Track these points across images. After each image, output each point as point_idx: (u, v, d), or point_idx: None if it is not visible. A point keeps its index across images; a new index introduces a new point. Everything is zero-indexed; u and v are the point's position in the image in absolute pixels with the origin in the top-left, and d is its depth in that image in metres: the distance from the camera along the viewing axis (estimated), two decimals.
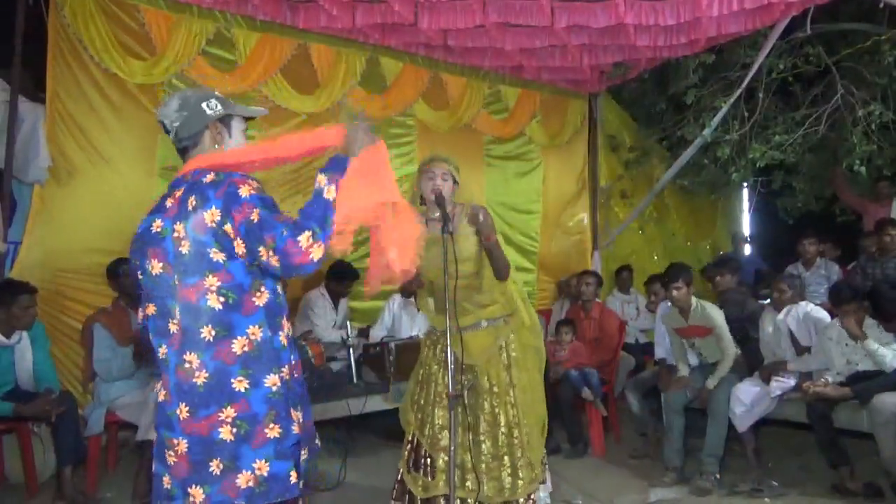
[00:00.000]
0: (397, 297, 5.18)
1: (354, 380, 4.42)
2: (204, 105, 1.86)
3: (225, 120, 1.89)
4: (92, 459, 3.94)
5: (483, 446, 2.99)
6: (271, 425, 1.76)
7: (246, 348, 1.75)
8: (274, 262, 1.68)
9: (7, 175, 4.28)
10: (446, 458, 2.90)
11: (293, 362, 1.88)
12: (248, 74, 5.08)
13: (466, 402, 2.95)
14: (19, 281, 3.87)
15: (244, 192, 1.71)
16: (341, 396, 4.16)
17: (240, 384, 1.74)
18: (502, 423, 3.02)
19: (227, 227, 1.70)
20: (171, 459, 1.77)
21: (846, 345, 4.01)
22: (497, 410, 3.02)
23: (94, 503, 3.80)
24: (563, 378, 4.88)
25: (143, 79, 4.68)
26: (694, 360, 4.63)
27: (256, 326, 1.77)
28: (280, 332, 1.84)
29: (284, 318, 1.88)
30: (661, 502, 3.96)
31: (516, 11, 4.91)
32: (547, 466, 3.25)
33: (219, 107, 1.88)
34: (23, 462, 3.92)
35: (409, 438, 3.14)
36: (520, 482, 2.97)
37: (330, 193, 1.75)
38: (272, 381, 1.78)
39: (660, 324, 5.10)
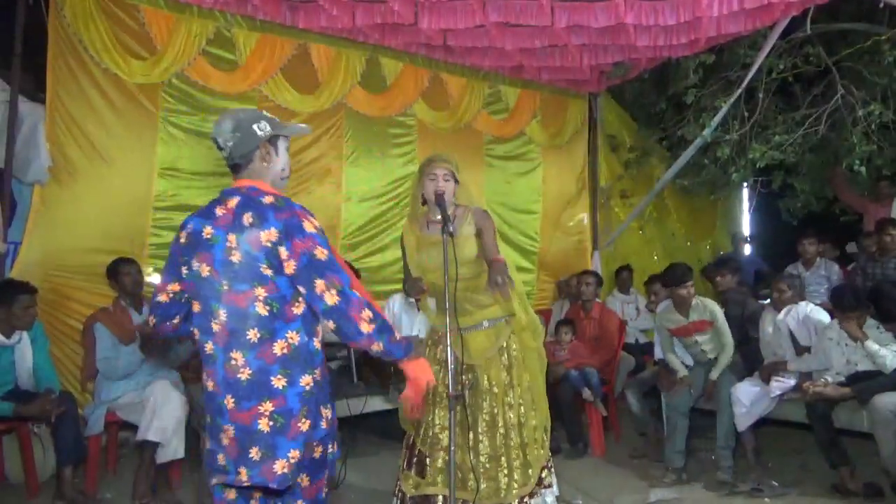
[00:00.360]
0: (397, 298, 5.18)
1: (354, 380, 4.42)
2: (255, 127, 2.05)
3: (272, 140, 2.09)
4: (92, 459, 3.94)
5: (480, 446, 2.99)
6: (304, 419, 1.97)
7: (285, 350, 1.97)
8: (329, 299, 1.93)
9: (7, 175, 4.28)
10: (446, 458, 2.90)
11: (324, 364, 2.09)
12: (248, 74, 5.09)
13: (467, 402, 2.96)
14: (19, 281, 3.88)
15: (308, 227, 1.97)
16: (341, 396, 4.16)
17: (278, 382, 1.96)
18: (500, 424, 3.02)
19: (283, 250, 1.93)
20: (224, 441, 1.99)
21: (846, 345, 4.01)
22: (496, 411, 3.02)
23: (94, 503, 3.80)
24: (562, 378, 4.88)
25: (143, 79, 4.68)
26: (689, 360, 4.64)
27: (295, 332, 1.99)
28: (315, 338, 2.05)
29: (319, 326, 2.07)
30: (661, 502, 3.96)
31: (516, 11, 4.91)
32: (553, 470, 3.25)
33: (268, 127, 2.07)
34: (23, 462, 3.92)
35: (408, 438, 3.14)
36: (514, 484, 2.98)
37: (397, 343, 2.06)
38: (306, 380, 2.00)
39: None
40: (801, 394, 4.01)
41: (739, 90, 5.88)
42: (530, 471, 3.05)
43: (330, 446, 2.10)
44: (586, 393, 4.81)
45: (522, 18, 4.95)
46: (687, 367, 4.59)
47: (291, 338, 1.98)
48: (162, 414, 3.74)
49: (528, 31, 5.35)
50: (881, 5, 5.05)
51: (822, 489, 3.98)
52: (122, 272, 4.12)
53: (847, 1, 6.20)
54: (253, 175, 2.07)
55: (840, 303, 4.01)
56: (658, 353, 5.07)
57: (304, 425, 1.97)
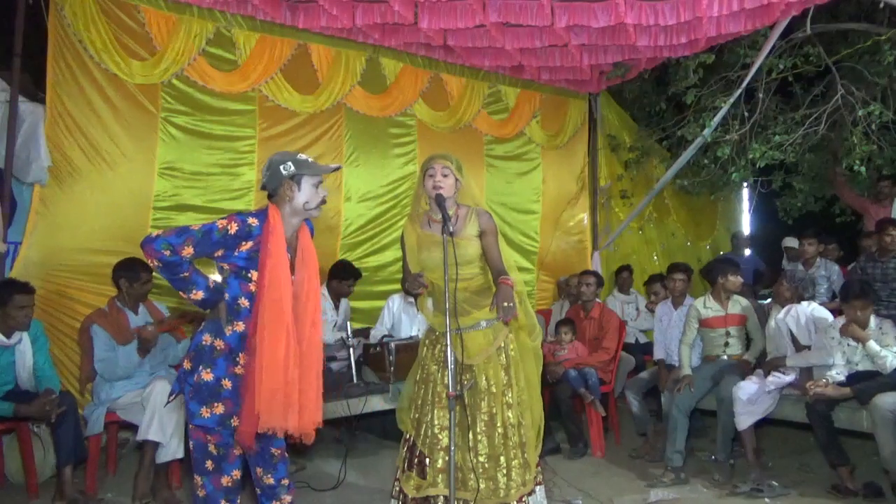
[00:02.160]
0: (397, 297, 5.18)
1: (354, 380, 4.42)
2: (281, 167, 2.45)
3: (296, 177, 2.45)
4: (92, 459, 3.93)
5: (479, 446, 2.99)
6: None
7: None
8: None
9: (7, 175, 4.28)
10: (446, 459, 2.90)
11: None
12: (248, 74, 5.09)
13: (465, 402, 2.96)
14: (18, 280, 3.86)
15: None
16: (341, 396, 4.16)
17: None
18: (499, 424, 3.02)
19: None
20: None
21: (848, 345, 4.01)
22: (494, 410, 3.02)
23: (94, 503, 3.80)
24: (562, 378, 4.88)
25: (143, 79, 4.68)
26: (695, 360, 4.65)
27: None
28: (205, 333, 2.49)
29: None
30: (661, 502, 3.96)
31: (516, 11, 4.91)
32: (541, 469, 3.24)
33: (292, 168, 2.45)
34: (23, 462, 3.92)
35: (406, 438, 3.14)
36: (512, 483, 2.97)
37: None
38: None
39: (659, 323, 5.11)
40: (800, 391, 4.02)
41: (739, 90, 5.88)
42: (529, 470, 3.05)
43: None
44: (584, 393, 4.80)
45: (522, 18, 4.95)
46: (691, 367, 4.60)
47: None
48: (162, 414, 3.74)
49: (528, 31, 5.35)
50: (881, 5, 5.06)
51: (822, 489, 3.98)
52: (140, 279, 4.07)
53: (847, 1, 6.21)
54: (277, 202, 2.47)
55: (847, 292, 4.02)
56: (658, 353, 5.08)
57: None
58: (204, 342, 2.42)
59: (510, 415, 3.04)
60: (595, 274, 5.66)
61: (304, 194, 2.46)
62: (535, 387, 3.19)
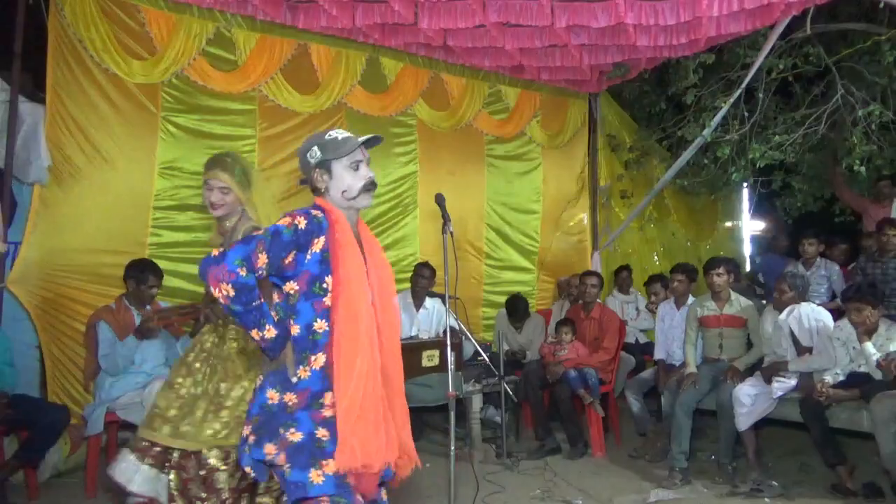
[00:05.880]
0: (397, 297, 5.18)
1: None
2: (307, 155, 2.10)
3: (324, 164, 2.08)
4: (92, 459, 3.93)
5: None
6: None
7: None
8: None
9: (7, 175, 4.28)
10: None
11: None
12: (248, 74, 5.09)
13: None
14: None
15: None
16: None
17: None
18: None
19: None
20: None
21: (853, 348, 4.01)
22: None
23: None
24: (562, 378, 4.88)
25: (143, 79, 4.68)
26: (697, 360, 4.66)
27: None
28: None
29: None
30: (661, 502, 3.96)
31: (516, 11, 4.91)
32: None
33: (318, 154, 2.08)
34: None
35: None
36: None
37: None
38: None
39: (661, 322, 5.11)
40: (802, 393, 4.02)
41: (739, 90, 5.88)
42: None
43: None
44: (582, 393, 4.81)
45: (522, 18, 4.95)
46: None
47: None
48: None
49: (528, 31, 5.35)
50: (881, 5, 5.05)
51: (822, 489, 3.98)
52: (148, 282, 4.09)
53: (847, 1, 6.20)
54: (319, 194, 2.11)
55: (851, 292, 4.02)
56: (658, 353, 5.08)
57: None
58: (269, 401, 1.96)
59: None
60: (597, 275, 5.67)
61: (340, 181, 2.06)
62: None
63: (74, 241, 4.46)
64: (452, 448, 2.63)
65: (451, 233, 2.78)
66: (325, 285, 1.95)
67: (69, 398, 4.31)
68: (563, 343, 5.07)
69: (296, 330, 1.95)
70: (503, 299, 5.95)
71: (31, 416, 3.77)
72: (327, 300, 1.94)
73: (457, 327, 4.52)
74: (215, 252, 1.94)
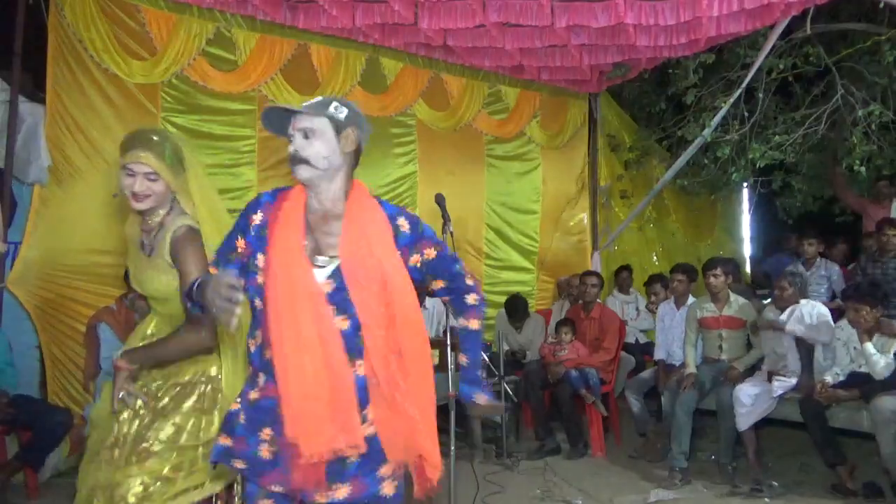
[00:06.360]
0: None
1: None
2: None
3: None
4: None
5: None
6: None
7: None
8: None
9: (7, 175, 4.28)
10: None
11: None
12: (247, 74, 5.09)
13: None
14: None
15: None
16: None
17: None
18: None
19: None
20: None
21: (854, 348, 4.01)
22: None
23: None
24: (562, 378, 4.88)
25: (143, 79, 4.68)
26: (697, 361, 4.66)
27: None
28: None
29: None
30: (661, 502, 3.96)
31: (516, 11, 4.91)
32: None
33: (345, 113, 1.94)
34: None
35: None
36: None
37: None
38: None
39: (661, 322, 5.11)
40: (803, 392, 4.02)
41: (739, 90, 5.88)
42: None
43: None
44: (584, 393, 4.81)
45: (522, 18, 4.95)
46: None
47: None
48: None
49: (528, 31, 5.35)
50: (881, 5, 5.05)
51: (822, 489, 3.99)
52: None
53: (847, 1, 6.20)
54: None
55: (853, 292, 4.02)
56: (658, 353, 5.08)
57: None
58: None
59: None
60: (598, 275, 5.68)
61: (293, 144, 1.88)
62: None
63: (74, 241, 4.46)
64: (452, 448, 2.63)
65: (451, 233, 2.78)
66: (257, 262, 1.84)
67: (69, 398, 4.31)
68: (564, 343, 5.07)
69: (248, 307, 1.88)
70: (503, 299, 5.95)
71: (33, 417, 3.78)
72: (260, 277, 1.83)
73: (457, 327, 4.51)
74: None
